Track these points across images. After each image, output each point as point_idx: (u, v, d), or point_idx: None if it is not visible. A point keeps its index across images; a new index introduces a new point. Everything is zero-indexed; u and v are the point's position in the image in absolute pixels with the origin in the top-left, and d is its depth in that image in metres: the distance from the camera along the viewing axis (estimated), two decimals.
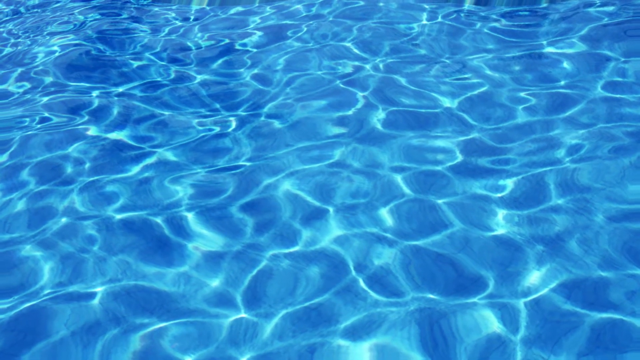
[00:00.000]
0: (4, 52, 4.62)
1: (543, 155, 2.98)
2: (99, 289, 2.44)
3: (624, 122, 3.15)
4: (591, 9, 4.28)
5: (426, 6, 4.68)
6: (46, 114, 3.61)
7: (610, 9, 4.17)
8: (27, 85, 4.05)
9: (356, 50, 4.12)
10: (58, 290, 2.45)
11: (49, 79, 4.08)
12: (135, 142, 3.37)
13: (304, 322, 2.26)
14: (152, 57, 4.34)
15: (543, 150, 3.01)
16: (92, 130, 3.44)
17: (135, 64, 4.22)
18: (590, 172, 2.80)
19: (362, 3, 4.82)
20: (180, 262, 2.55)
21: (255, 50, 4.37)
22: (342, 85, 3.69)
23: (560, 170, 2.83)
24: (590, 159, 2.89)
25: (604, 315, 2.14)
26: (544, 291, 2.26)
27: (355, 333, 2.19)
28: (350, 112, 3.44)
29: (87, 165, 3.19)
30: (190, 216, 2.79)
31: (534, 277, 2.33)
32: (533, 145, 3.08)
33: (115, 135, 3.42)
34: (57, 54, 4.31)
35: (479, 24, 4.34)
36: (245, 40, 4.52)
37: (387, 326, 2.20)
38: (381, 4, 4.77)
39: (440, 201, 2.74)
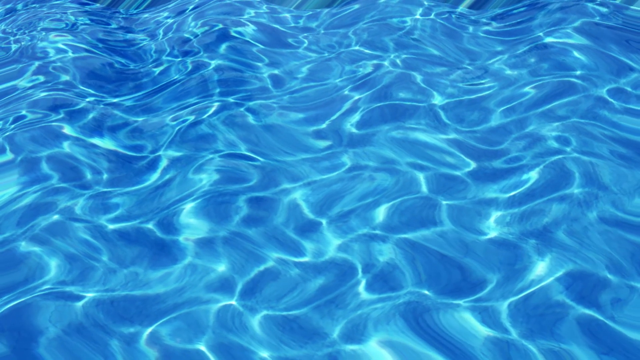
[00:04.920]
0: (13, 49, 4.70)
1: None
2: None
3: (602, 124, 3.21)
4: (589, 4, 4.30)
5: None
6: (23, 112, 3.70)
7: (604, 10, 4.19)
8: (42, 78, 4.16)
9: (368, 51, 4.17)
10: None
11: (65, 77, 4.16)
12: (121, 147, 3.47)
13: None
14: (164, 59, 4.43)
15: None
16: (67, 129, 3.55)
17: (157, 70, 4.30)
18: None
19: (353, 8, 4.89)
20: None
21: (256, 42, 4.45)
22: (346, 92, 3.75)
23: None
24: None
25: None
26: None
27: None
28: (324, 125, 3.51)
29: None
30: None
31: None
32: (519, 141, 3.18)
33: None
34: (70, 54, 4.39)
35: (471, 28, 4.40)
36: (240, 29, 4.60)
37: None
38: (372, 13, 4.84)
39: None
